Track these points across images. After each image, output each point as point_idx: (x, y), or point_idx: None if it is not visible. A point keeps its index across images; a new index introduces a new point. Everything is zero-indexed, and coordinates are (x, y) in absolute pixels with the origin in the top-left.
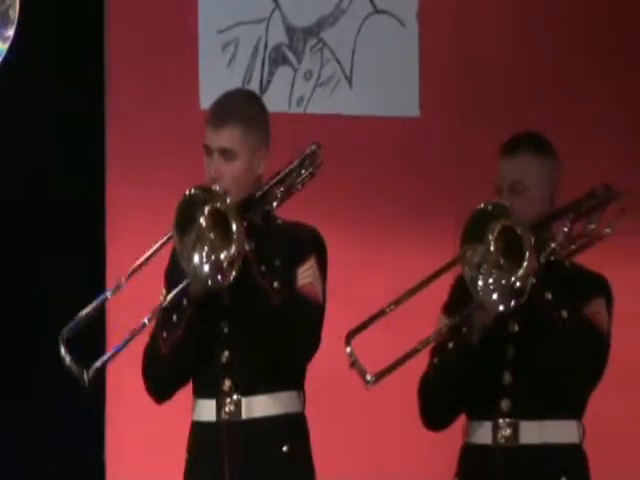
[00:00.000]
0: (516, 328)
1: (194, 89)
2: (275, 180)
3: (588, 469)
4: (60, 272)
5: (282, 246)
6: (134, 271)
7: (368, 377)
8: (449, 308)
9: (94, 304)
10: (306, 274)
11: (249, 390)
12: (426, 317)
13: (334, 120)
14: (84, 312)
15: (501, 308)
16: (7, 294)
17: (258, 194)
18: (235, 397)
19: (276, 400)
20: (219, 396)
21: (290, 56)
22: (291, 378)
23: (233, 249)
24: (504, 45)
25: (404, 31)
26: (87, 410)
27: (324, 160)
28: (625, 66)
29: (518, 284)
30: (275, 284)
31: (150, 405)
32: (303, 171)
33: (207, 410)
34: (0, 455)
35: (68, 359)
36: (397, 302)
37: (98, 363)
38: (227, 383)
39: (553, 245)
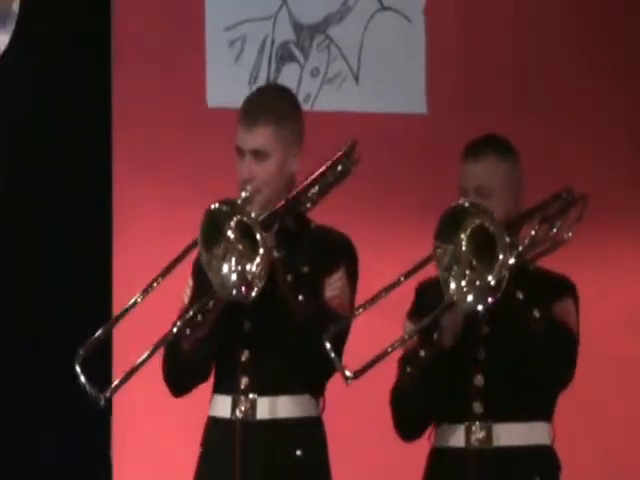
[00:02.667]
0: (487, 330)
1: (201, 86)
2: (309, 181)
3: (560, 470)
4: (67, 272)
5: (313, 253)
6: (150, 286)
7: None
8: (414, 314)
9: (106, 326)
10: (334, 285)
11: (266, 390)
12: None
13: (341, 117)
14: (97, 334)
15: (479, 308)
16: (8, 290)
17: (289, 198)
18: (251, 396)
19: (292, 403)
20: (235, 394)
21: (297, 53)
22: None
23: (258, 265)
24: (511, 41)
25: (411, 28)
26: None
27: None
28: (631, 66)
29: (492, 282)
30: (300, 297)
31: (156, 401)
32: (340, 168)
33: (222, 406)
34: (1, 455)
35: (84, 381)
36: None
37: (116, 382)
38: (244, 381)
39: (520, 248)
